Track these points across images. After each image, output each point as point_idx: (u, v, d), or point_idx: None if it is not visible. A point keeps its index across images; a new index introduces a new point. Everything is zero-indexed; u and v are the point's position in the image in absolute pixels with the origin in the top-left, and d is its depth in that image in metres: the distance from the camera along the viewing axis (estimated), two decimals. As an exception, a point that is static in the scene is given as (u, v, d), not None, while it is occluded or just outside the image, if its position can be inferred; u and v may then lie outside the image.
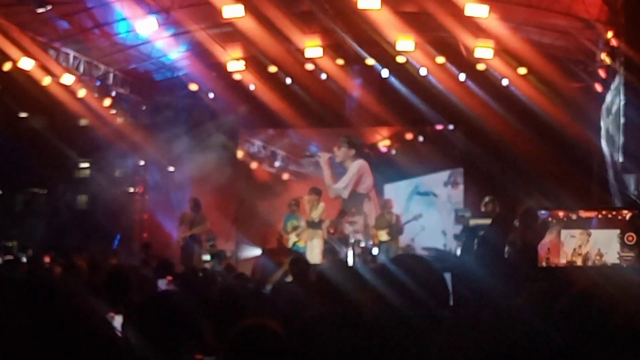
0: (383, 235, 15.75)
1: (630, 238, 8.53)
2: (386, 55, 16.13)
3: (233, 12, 13.41)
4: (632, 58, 11.82)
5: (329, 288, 3.91)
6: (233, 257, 16.01)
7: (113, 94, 17.19)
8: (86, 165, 19.06)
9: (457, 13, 13.41)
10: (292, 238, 16.08)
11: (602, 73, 14.36)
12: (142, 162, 19.02)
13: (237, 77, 17.20)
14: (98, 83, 16.70)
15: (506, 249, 11.85)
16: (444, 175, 18.03)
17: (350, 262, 14.40)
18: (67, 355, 1.16)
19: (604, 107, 14.64)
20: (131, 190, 18.92)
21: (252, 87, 17.50)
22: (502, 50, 15.22)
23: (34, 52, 14.52)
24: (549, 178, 14.78)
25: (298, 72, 17.02)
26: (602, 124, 14.90)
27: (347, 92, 17.56)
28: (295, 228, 16.12)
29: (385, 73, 16.92)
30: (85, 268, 9.63)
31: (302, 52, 16.00)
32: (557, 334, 2.59)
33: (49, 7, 12.92)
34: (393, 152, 18.47)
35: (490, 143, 16.06)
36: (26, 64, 14.40)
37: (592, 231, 8.77)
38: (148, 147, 18.68)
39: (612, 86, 13.48)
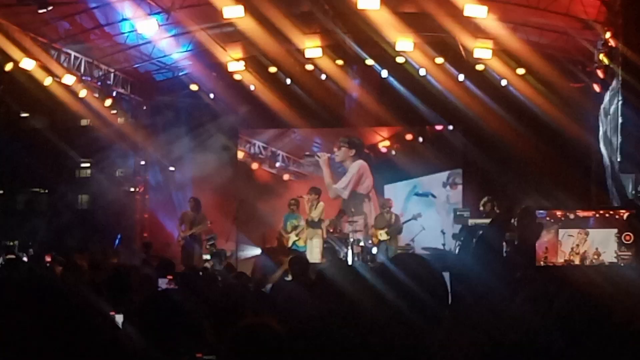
0: (382, 235, 15.79)
1: (627, 237, 8.59)
2: (386, 55, 16.16)
3: (233, 12, 13.44)
4: (630, 58, 11.85)
5: (328, 287, 3.85)
6: (233, 257, 16.04)
7: (114, 94, 17.21)
8: (87, 165, 19.09)
9: (456, 13, 13.43)
10: (292, 237, 16.12)
11: (600, 73, 14.39)
12: (142, 162, 19.03)
13: (237, 77, 17.23)
14: (99, 83, 16.71)
15: (504, 247, 11.87)
16: (443, 175, 18.04)
17: (349, 261, 14.46)
18: (71, 353, 1.19)
19: (602, 107, 14.67)
20: (132, 190, 18.95)
21: (252, 88, 17.55)
22: (501, 51, 15.25)
23: (35, 52, 14.55)
24: (548, 178, 14.83)
25: (298, 73, 17.07)
26: (600, 124, 14.94)
27: (347, 92, 17.58)
28: (295, 227, 16.17)
29: (384, 73, 16.94)
30: (86, 267, 9.68)
31: (302, 53, 16.04)
32: (554, 332, 2.63)
33: (50, 8, 12.95)
34: (393, 152, 18.47)
35: (488, 143, 16.08)
36: (27, 64, 14.41)
37: (590, 230, 8.83)
38: (149, 147, 18.72)
39: (610, 87, 13.52)
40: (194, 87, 17.77)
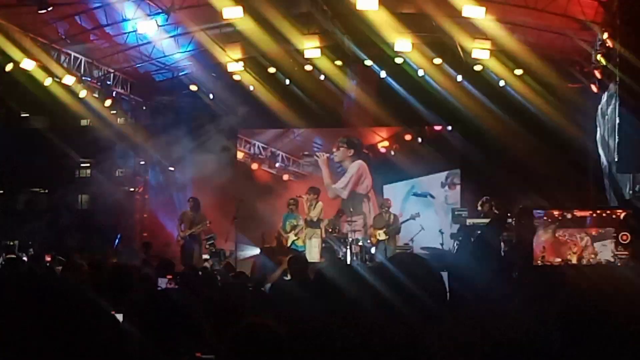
0: (381, 235, 15.83)
1: (624, 237, 8.66)
2: (384, 56, 16.21)
3: (232, 13, 13.48)
4: (627, 59, 11.88)
5: (327, 286, 3.92)
6: (232, 256, 16.08)
7: (114, 94, 17.23)
8: (87, 165, 19.09)
9: (454, 14, 13.47)
10: (291, 237, 16.16)
11: (597, 74, 14.43)
12: (142, 162, 19.06)
13: (236, 77, 17.27)
14: (99, 84, 16.73)
15: (502, 246, 11.96)
16: (441, 176, 18.09)
17: (348, 260, 14.51)
18: (71, 353, 1.18)
19: (600, 107, 14.72)
20: (132, 190, 18.98)
21: (251, 88, 17.59)
22: (499, 51, 15.28)
23: (35, 52, 14.56)
24: (545, 178, 14.88)
25: (297, 73, 17.12)
26: (597, 124, 14.99)
27: (346, 92, 17.62)
28: (294, 227, 16.20)
29: (383, 74, 16.98)
30: (85, 267, 9.70)
31: (301, 53, 16.08)
32: (552, 331, 2.65)
33: (50, 9, 12.97)
34: (392, 153, 18.51)
35: (486, 143, 16.12)
36: (28, 64, 14.43)
37: (587, 230, 8.90)
38: (148, 148, 18.76)
39: (608, 87, 13.57)
40: (193, 88, 17.81)
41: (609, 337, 2.33)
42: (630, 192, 12.75)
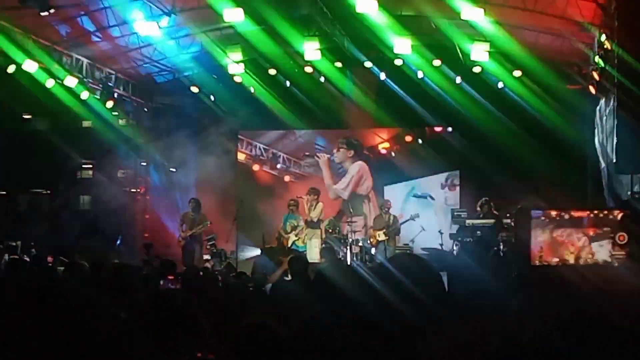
0: (381, 236, 15.87)
1: (621, 237, 8.74)
2: (384, 58, 16.27)
3: (233, 15, 13.55)
4: (626, 61, 11.95)
5: (327, 287, 3.95)
6: (233, 257, 16.13)
7: (115, 96, 17.27)
8: (89, 166, 19.15)
9: (454, 16, 13.53)
10: (292, 237, 16.21)
11: (595, 75, 14.48)
12: (144, 163, 19.12)
13: (237, 79, 17.34)
14: (100, 85, 16.78)
15: (501, 247, 12.01)
16: (441, 177, 18.14)
17: (348, 261, 14.56)
18: (73, 352, 1.21)
19: (598, 109, 14.79)
20: (133, 191, 19.04)
21: (252, 90, 17.66)
22: (498, 53, 15.32)
23: (37, 54, 14.61)
24: (544, 179, 14.91)
25: (297, 75, 17.18)
26: (595, 125, 15.06)
27: (346, 94, 17.67)
28: (294, 228, 16.25)
29: (383, 76, 17.04)
30: (87, 268, 9.75)
31: (301, 55, 16.14)
32: (551, 331, 2.69)
33: (52, 11, 13.01)
34: (392, 154, 18.55)
35: (486, 145, 16.18)
36: (30, 66, 14.49)
37: (584, 230, 8.97)
38: (150, 149, 18.84)
39: (606, 89, 13.63)
40: (194, 89, 17.87)
41: (607, 336, 2.35)
42: (629, 193, 12.81)
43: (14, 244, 15.47)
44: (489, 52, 15.09)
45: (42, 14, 12.97)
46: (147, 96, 18.73)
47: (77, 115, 16.69)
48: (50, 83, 15.35)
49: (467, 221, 14.76)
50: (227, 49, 16.31)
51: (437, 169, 18.06)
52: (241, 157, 19.26)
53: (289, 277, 8.39)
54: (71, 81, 15.54)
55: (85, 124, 17.56)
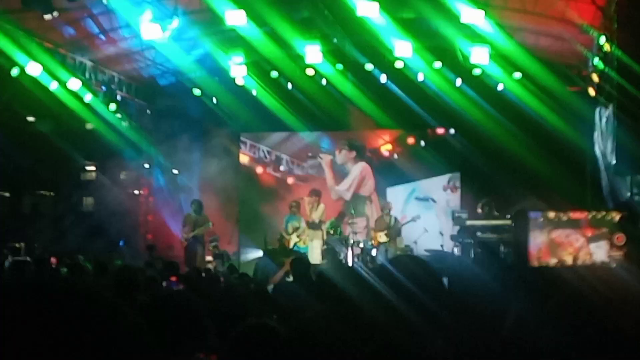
0: (382, 237, 15.93)
1: (619, 239, 8.81)
2: (384, 60, 16.32)
3: (236, 19, 13.61)
4: (625, 63, 12.00)
5: (329, 288, 3.78)
6: (235, 258, 16.20)
7: (118, 98, 17.35)
8: (92, 168, 19.20)
9: (454, 19, 13.58)
10: (293, 239, 16.27)
11: (595, 77, 14.52)
12: (146, 165, 19.19)
13: (239, 82, 17.41)
14: (103, 88, 16.85)
15: (501, 248, 12.09)
16: (443, 179, 18.19)
17: (349, 262, 14.62)
18: (76, 355, 1.18)
19: (597, 111, 14.83)
20: (136, 192, 19.10)
21: (254, 92, 17.73)
22: (498, 55, 15.36)
23: (41, 57, 14.70)
24: (544, 180, 14.96)
25: (299, 77, 17.24)
26: (595, 127, 15.10)
27: (347, 96, 17.71)
28: (296, 229, 16.31)
29: (383, 78, 17.10)
30: (90, 269, 9.83)
31: (302, 58, 16.20)
32: (551, 332, 2.69)
33: (55, 14, 13.08)
34: (395, 156, 18.61)
35: (486, 147, 16.23)
36: (33, 69, 14.59)
37: (582, 231, 9.05)
38: (152, 151, 18.91)
39: (605, 91, 13.67)
40: (197, 92, 17.94)
41: (606, 336, 2.36)
42: (628, 194, 12.86)
43: (17, 245, 15.52)
44: (489, 54, 15.16)
45: (46, 16, 13.04)
46: (149, 98, 18.80)
47: (80, 117, 16.75)
48: (53, 85, 15.43)
49: (468, 222, 14.83)
50: (229, 51, 16.38)
51: (439, 171, 18.11)
52: (245, 159, 19.31)
53: (291, 278, 8.43)
54: (74, 83, 15.61)
55: (89, 126, 17.61)
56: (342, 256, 15.14)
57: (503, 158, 15.84)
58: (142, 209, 19.11)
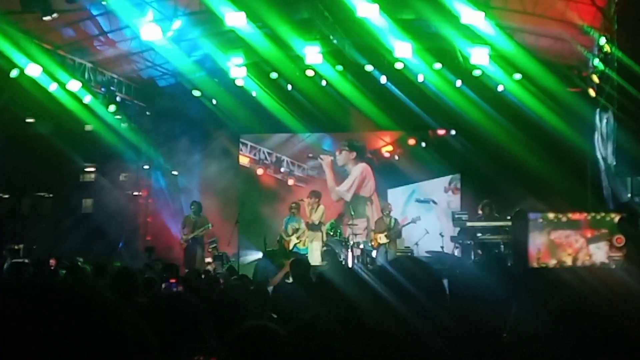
0: (382, 238, 15.91)
1: (618, 240, 8.78)
2: (384, 61, 16.32)
3: (235, 19, 13.61)
4: (625, 64, 11.98)
5: (329, 289, 3.82)
6: (235, 260, 16.18)
7: (117, 99, 17.34)
8: (91, 169, 19.20)
9: (454, 20, 13.58)
10: (293, 240, 16.25)
11: (595, 78, 14.52)
12: (146, 167, 19.18)
13: (239, 83, 17.40)
14: (103, 89, 16.85)
15: (502, 249, 12.07)
16: (444, 180, 18.18)
17: (349, 264, 14.60)
18: (75, 356, 1.16)
19: (598, 111, 14.82)
20: (135, 194, 19.09)
21: (254, 93, 17.72)
22: (498, 56, 15.36)
23: (40, 58, 14.68)
24: (545, 182, 14.94)
25: (298, 79, 17.23)
26: (596, 128, 15.09)
27: (347, 97, 17.71)
28: (295, 230, 16.29)
29: (383, 79, 17.09)
30: (89, 271, 9.79)
31: (302, 59, 16.19)
32: (550, 334, 2.71)
33: (55, 15, 13.09)
34: (396, 157, 18.61)
35: (486, 148, 16.22)
36: (32, 70, 14.58)
37: (582, 232, 9.02)
38: (152, 152, 18.90)
39: (606, 92, 13.66)
40: (196, 93, 17.94)
41: (606, 336, 2.33)
42: (629, 195, 12.85)
43: (16, 247, 15.51)
44: (489, 55, 15.16)
45: (45, 18, 13.03)
46: (149, 100, 18.79)
47: (79, 119, 16.74)
48: (53, 87, 15.42)
49: (468, 223, 14.82)
50: (229, 52, 16.38)
51: (440, 172, 18.11)
52: (245, 160, 19.31)
53: (291, 280, 8.41)
54: (74, 85, 15.61)
55: (88, 127, 17.60)
56: (342, 257, 15.12)
57: (503, 159, 15.82)
58: (142, 211, 19.09)
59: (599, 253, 8.81)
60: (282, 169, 19.14)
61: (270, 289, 8.23)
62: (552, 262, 8.92)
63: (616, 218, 8.93)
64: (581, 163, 15.72)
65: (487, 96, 16.36)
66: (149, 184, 19.24)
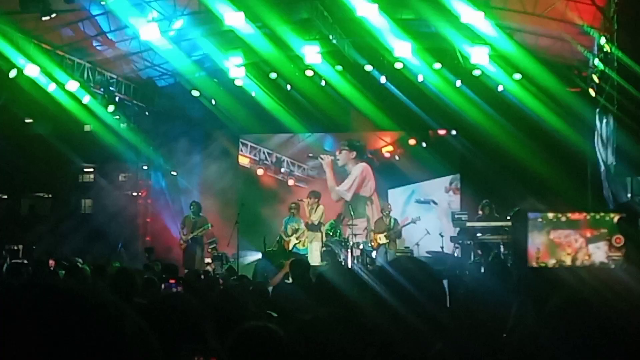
0: (381, 239, 15.90)
1: (618, 240, 8.74)
2: (384, 61, 16.31)
3: (234, 19, 13.60)
4: (625, 63, 11.97)
5: (329, 290, 3.87)
6: (234, 260, 16.16)
7: (116, 100, 17.32)
8: (90, 170, 19.20)
9: (454, 20, 13.57)
10: (293, 240, 16.23)
11: (595, 78, 14.50)
12: (145, 167, 19.17)
13: (238, 83, 17.39)
14: (102, 89, 16.83)
15: (501, 249, 12.05)
16: (445, 181, 18.16)
17: (349, 264, 14.59)
18: (75, 357, 1.16)
19: (598, 111, 14.81)
20: (134, 194, 19.08)
21: (253, 93, 17.71)
22: (498, 56, 15.35)
23: (38, 59, 14.68)
24: (545, 182, 14.94)
25: (298, 79, 17.22)
26: (596, 128, 15.08)
27: (346, 97, 17.70)
28: (295, 231, 16.28)
29: (383, 79, 17.07)
30: (89, 271, 9.78)
31: (301, 59, 16.18)
32: (550, 335, 2.71)
33: (54, 15, 13.08)
34: (397, 157, 18.60)
35: (486, 148, 16.21)
36: (31, 70, 14.56)
37: (581, 232, 8.97)
38: (151, 152, 18.89)
39: (605, 91, 13.64)
40: (195, 93, 17.92)
41: (605, 336, 2.31)
42: (629, 195, 12.83)
43: (15, 248, 15.50)
44: (489, 55, 15.14)
45: (44, 18, 13.03)
46: (148, 100, 18.76)
47: (78, 119, 16.73)
48: (51, 87, 15.40)
49: (468, 224, 14.81)
50: (228, 53, 16.36)
51: (441, 172, 18.10)
52: (245, 161, 19.32)
53: (290, 280, 8.39)
54: (73, 85, 15.59)
55: (87, 128, 17.59)
56: (341, 258, 15.10)
57: (503, 159, 15.83)
58: (141, 211, 19.08)
59: (598, 253, 8.76)
60: (283, 170, 19.13)
61: (269, 289, 8.19)
62: (552, 262, 8.86)
63: (615, 218, 8.90)
64: (581, 163, 15.71)
65: (486, 96, 16.34)
66: (148, 184, 19.23)
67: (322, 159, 18.48)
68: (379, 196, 18.24)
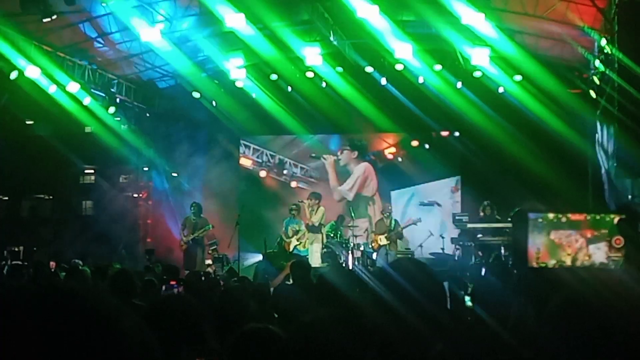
0: (382, 240, 15.89)
1: (617, 241, 8.74)
2: (385, 63, 16.31)
3: (235, 21, 13.61)
4: (626, 65, 11.97)
5: (329, 291, 3.92)
6: (235, 262, 16.15)
7: (117, 101, 17.33)
8: (91, 171, 19.19)
9: (454, 21, 13.57)
10: (293, 242, 16.22)
11: (596, 80, 14.51)
12: (146, 169, 19.17)
13: (239, 84, 17.39)
14: (102, 91, 16.86)
15: (502, 250, 12.02)
16: (449, 182, 18.15)
17: (349, 265, 14.58)
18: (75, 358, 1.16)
19: (598, 113, 14.80)
20: (135, 196, 19.08)
21: (253, 95, 17.71)
22: (499, 58, 15.35)
23: (39, 60, 14.69)
24: (546, 183, 14.93)
25: (298, 80, 17.22)
26: (596, 129, 15.07)
27: (347, 99, 17.69)
28: (295, 232, 16.26)
29: (384, 81, 17.07)
30: (89, 273, 9.78)
31: (302, 60, 16.18)
32: (550, 335, 2.71)
33: (54, 17, 13.09)
34: (399, 159, 18.60)
35: (487, 149, 16.21)
36: (32, 72, 14.57)
37: (582, 232, 8.98)
38: (152, 154, 18.89)
39: (606, 93, 13.64)
40: (196, 94, 17.93)
41: (605, 336, 2.26)
42: (629, 197, 12.82)
43: (16, 249, 15.50)
44: (490, 56, 15.14)
45: (45, 20, 13.04)
46: (149, 102, 18.78)
47: (79, 120, 16.73)
48: (52, 89, 15.42)
49: (469, 225, 14.81)
50: (229, 54, 16.37)
51: (444, 174, 18.09)
52: (247, 162, 19.32)
53: (291, 282, 8.39)
54: (73, 87, 15.61)
55: (88, 129, 17.60)
56: (342, 259, 15.09)
57: (504, 161, 15.83)
58: (142, 213, 19.08)
59: (599, 253, 8.77)
60: (285, 171, 19.13)
61: (270, 290, 8.18)
62: (552, 262, 8.88)
63: (616, 219, 8.90)
64: (582, 164, 15.71)
65: (487, 98, 16.34)
66: (149, 185, 19.24)
67: (324, 159, 18.50)
68: (382, 197, 18.23)
